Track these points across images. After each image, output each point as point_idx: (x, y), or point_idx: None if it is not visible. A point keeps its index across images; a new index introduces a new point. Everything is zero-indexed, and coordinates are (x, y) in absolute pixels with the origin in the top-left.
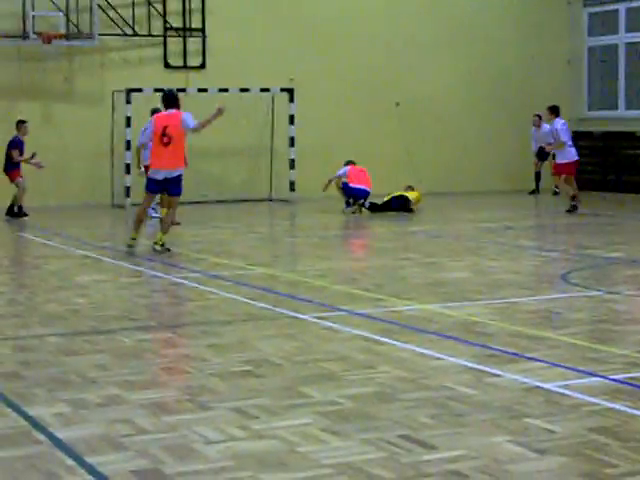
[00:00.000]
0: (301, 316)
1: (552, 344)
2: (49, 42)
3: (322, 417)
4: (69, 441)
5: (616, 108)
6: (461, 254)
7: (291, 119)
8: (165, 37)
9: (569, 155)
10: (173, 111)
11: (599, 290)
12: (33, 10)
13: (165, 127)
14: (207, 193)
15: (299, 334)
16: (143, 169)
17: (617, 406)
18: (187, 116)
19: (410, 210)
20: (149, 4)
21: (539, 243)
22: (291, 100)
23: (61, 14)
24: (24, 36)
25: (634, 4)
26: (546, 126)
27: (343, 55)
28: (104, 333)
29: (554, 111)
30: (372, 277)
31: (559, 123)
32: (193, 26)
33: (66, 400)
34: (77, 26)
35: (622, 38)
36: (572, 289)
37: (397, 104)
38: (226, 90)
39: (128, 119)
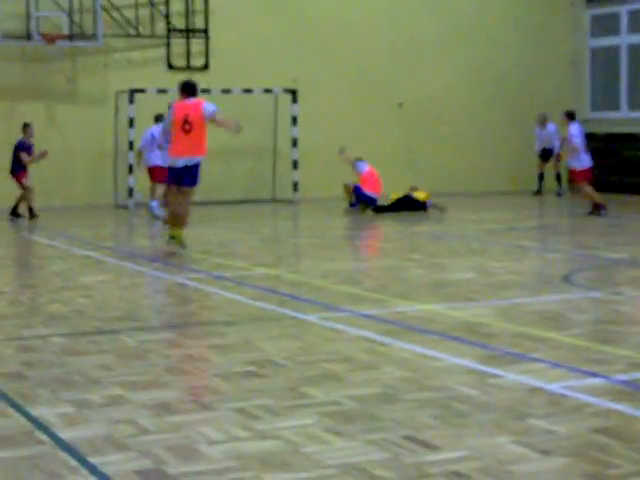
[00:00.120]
0: (304, 317)
1: (555, 345)
2: (53, 43)
3: (325, 418)
4: (72, 441)
5: (619, 109)
6: (464, 255)
7: (294, 120)
8: (168, 38)
9: (584, 162)
10: (194, 100)
11: (602, 291)
12: (37, 11)
13: (186, 115)
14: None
15: (302, 335)
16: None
17: (620, 407)
18: (209, 105)
19: (423, 208)
20: (152, 5)
21: (542, 244)
22: (294, 101)
23: (64, 15)
24: (28, 37)
25: (636, 6)
26: (551, 126)
27: (346, 56)
28: (107, 333)
29: (570, 116)
30: (375, 278)
31: (574, 128)
32: (196, 27)
33: (69, 400)
34: (80, 27)
35: (624, 39)
36: (575, 290)
37: (400, 105)
38: (229, 91)
39: (131, 120)
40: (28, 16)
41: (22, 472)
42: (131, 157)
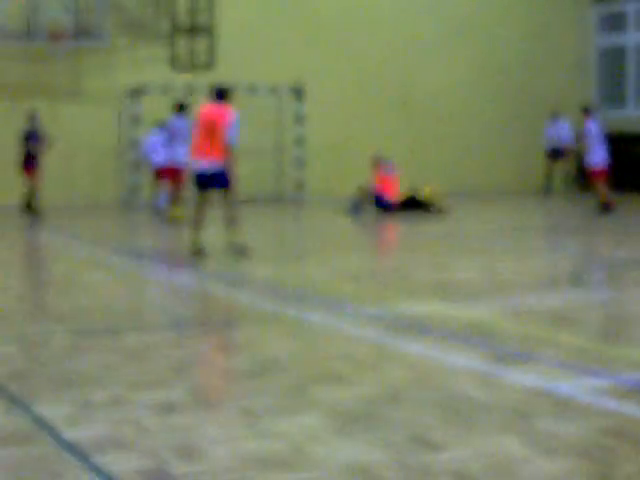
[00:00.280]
0: (307, 316)
1: (561, 345)
2: (57, 42)
3: (329, 418)
4: (75, 441)
5: (624, 108)
6: (469, 254)
7: (299, 119)
8: (173, 37)
9: (598, 160)
10: (223, 105)
11: (609, 291)
12: (42, 10)
13: (211, 119)
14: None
15: (306, 334)
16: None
17: (626, 408)
18: (235, 125)
19: (427, 209)
20: (157, 3)
21: (548, 243)
22: (299, 100)
23: (70, 14)
24: (33, 36)
25: None
26: (563, 122)
27: (351, 55)
28: (110, 332)
29: (587, 112)
30: (380, 277)
31: (591, 124)
32: (201, 26)
33: (72, 399)
34: (85, 26)
35: (630, 37)
36: (582, 290)
37: (404, 103)
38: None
39: (136, 119)
40: (33, 15)
41: (24, 471)
42: (135, 156)
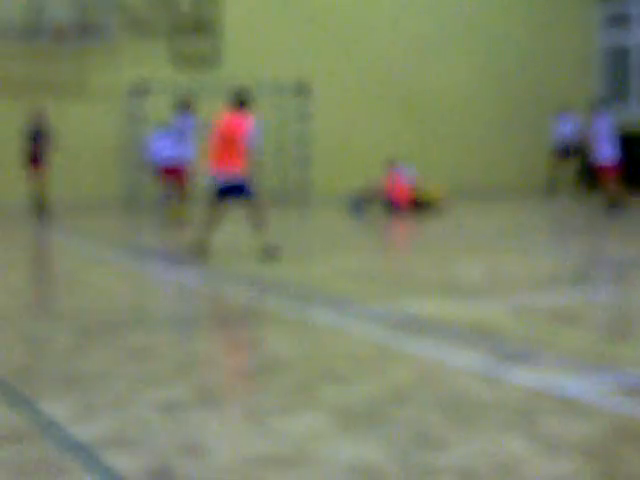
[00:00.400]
0: (312, 315)
1: (566, 344)
2: (62, 40)
3: (332, 417)
4: (80, 439)
5: (629, 107)
6: (474, 253)
7: (304, 117)
8: (177, 35)
9: (606, 157)
10: (242, 112)
11: (614, 290)
12: (46, 9)
13: (231, 129)
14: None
15: (311, 333)
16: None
17: (632, 406)
18: (257, 133)
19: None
20: (161, 2)
21: (552, 242)
22: (304, 98)
23: (74, 12)
24: (37, 33)
25: None
26: (572, 118)
27: (355, 54)
28: (115, 331)
29: (597, 109)
30: (383, 276)
31: (601, 121)
32: (205, 24)
33: (76, 398)
34: (90, 24)
35: (634, 36)
36: (585, 289)
37: (408, 102)
38: None
39: (140, 117)
40: (38, 14)
41: (29, 469)
42: (139, 154)
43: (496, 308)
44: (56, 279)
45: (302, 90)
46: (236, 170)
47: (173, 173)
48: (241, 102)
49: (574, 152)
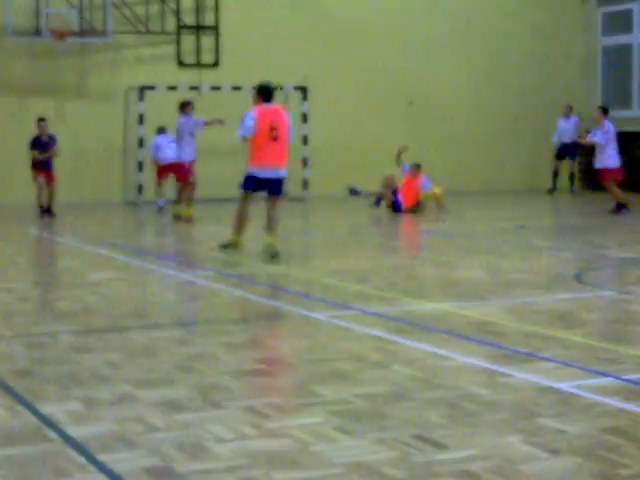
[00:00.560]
0: (314, 315)
1: (565, 344)
2: (63, 39)
3: (334, 416)
4: (81, 439)
5: (630, 108)
6: (474, 253)
7: (304, 117)
8: (178, 34)
9: (607, 161)
10: (274, 105)
11: (612, 290)
12: (47, 7)
13: (272, 121)
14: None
15: (312, 333)
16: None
17: (630, 406)
18: (292, 127)
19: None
20: (162, 1)
21: (552, 242)
22: (304, 98)
23: (74, 11)
24: (37, 33)
25: None
26: (575, 119)
27: (357, 53)
28: (116, 331)
29: (605, 112)
30: (385, 276)
31: (609, 125)
32: (207, 23)
33: (78, 398)
34: (91, 23)
35: (636, 37)
36: (585, 289)
37: (410, 103)
38: (239, 88)
39: (141, 117)
40: (38, 12)
41: (31, 469)
42: (141, 154)
43: (498, 308)
44: (57, 279)
45: (303, 91)
46: (281, 166)
47: (175, 172)
48: (271, 95)
49: (574, 153)
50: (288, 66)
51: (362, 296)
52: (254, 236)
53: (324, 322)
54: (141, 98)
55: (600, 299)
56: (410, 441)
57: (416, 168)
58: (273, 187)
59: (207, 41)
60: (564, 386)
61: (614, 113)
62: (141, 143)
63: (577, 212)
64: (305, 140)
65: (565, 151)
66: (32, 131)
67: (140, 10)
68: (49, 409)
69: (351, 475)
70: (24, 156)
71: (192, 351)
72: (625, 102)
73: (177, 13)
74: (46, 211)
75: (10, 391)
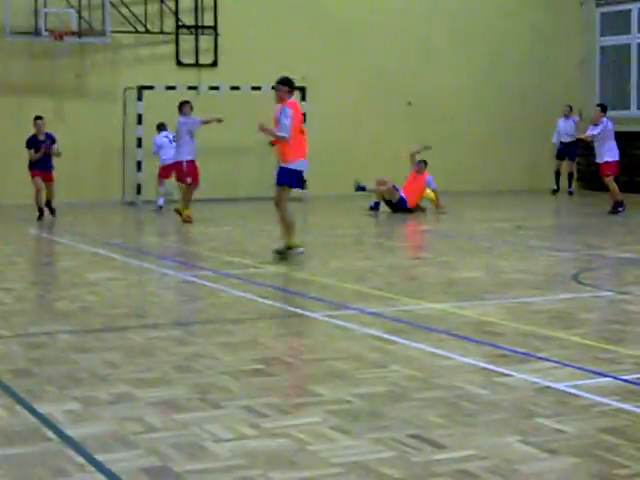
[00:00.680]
0: (312, 315)
1: (563, 344)
2: (61, 39)
3: (332, 416)
4: (79, 438)
5: (628, 108)
6: (473, 254)
7: (303, 117)
8: (177, 35)
9: (604, 156)
10: (294, 99)
11: (610, 290)
12: (45, 7)
13: (300, 115)
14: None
15: (310, 333)
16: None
17: (628, 406)
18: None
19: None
20: (161, 1)
21: (551, 243)
22: (303, 98)
23: (73, 11)
24: (36, 33)
25: None
26: (575, 118)
27: (355, 54)
28: (115, 330)
29: (604, 109)
30: (383, 276)
31: (607, 122)
32: (205, 24)
33: (76, 397)
34: (89, 23)
35: (634, 38)
36: (583, 289)
37: (409, 103)
38: (237, 88)
39: (140, 116)
40: (36, 12)
41: (29, 469)
42: (140, 154)
43: (496, 308)
44: (55, 279)
45: (302, 91)
46: (306, 160)
47: (175, 172)
48: (293, 88)
49: (574, 153)
50: (287, 66)
51: (361, 296)
52: (254, 236)
53: (322, 322)
54: (140, 98)
55: (598, 299)
56: (408, 441)
57: (422, 165)
58: (301, 180)
59: (206, 41)
60: (562, 386)
61: (612, 113)
62: (140, 143)
63: (576, 212)
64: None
65: (565, 151)
66: (30, 131)
67: (139, 10)
68: (47, 409)
69: (349, 475)
70: (23, 156)
71: (190, 351)
72: (623, 102)
73: (176, 13)
74: (48, 209)
75: (8, 391)
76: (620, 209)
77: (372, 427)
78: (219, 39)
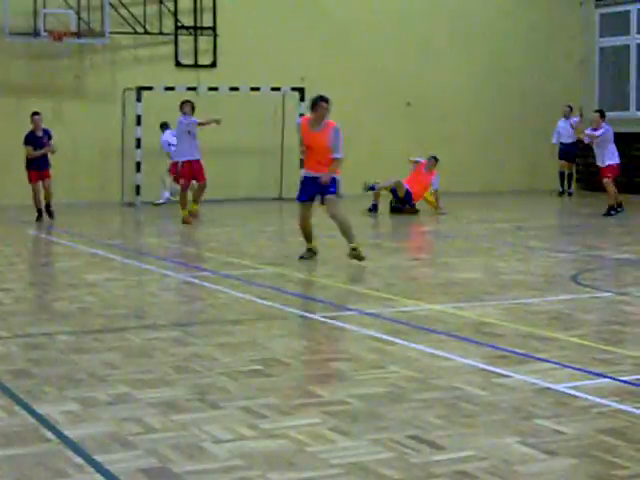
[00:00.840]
0: (311, 315)
1: (562, 345)
2: (60, 40)
3: (331, 417)
4: (78, 439)
5: (627, 109)
6: (472, 254)
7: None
8: (176, 35)
9: (615, 158)
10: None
11: (609, 291)
12: (44, 8)
13: None
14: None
15: (309, 333)
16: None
17: (627, 407)
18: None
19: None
20: (160, 2)
21: (550, 244)
22: (302, 99)
23: (72, 12)
24: (35, 34)
25: None
26: (575, 119)
27: (355, 54)
28: (114, 331)
29: (602, 114)
30: (382, 277)
31: (607, 128)
32: (204, 24)
33: (75, 398)
34: (88, 24)
35: (633, 39)
36: (582, 290)
37: (408, 104)
38: (237, 89)
39: (139, 117)
40: (36, 13)
41: (28, 469)
42: (139, 155)
43: (495, 308)
44: (54, 279)
45: (300, 92)
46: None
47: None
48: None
49: (574, 154)
50: (286, 67)
51: (360, 297)
52: (253, 236)
53: (321, 323)
54: (139, 99)
55: (598, 300)
56: (407, 442)
57: (433, 161)
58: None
59: (205, 42)
60: (561, 387)
61: (612, 114)
62: (139, 144)
63: (575, 213)
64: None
65: (565, 152)
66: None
67: (138, 11)
68: (46, 410)
69: (348, 476)
70: (21, 157)
71: (189, 352)
72: (622, 103)
73: (175, 14)
74: (46, 211)
75: (7, 392)
76: (613, 212)
77: (371, 428)
78: (218, 40)
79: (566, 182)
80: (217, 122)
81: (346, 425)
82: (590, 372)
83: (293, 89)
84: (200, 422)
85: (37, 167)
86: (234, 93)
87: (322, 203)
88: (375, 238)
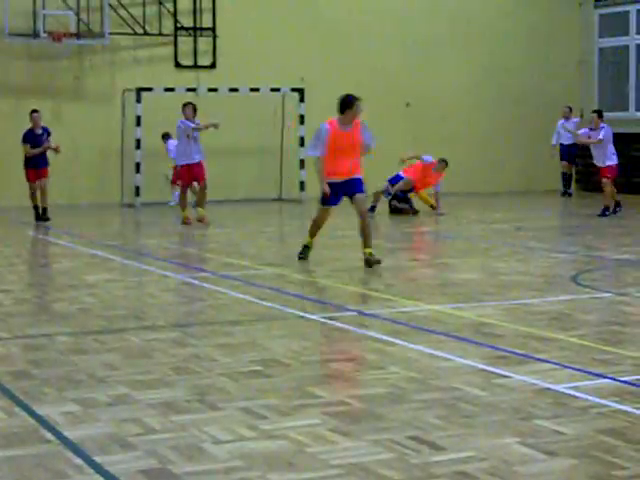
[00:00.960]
0: (311, 316)
1: (562, 345)
2: (59, 41)
3: (331, 417)
4: (78, 440)
5: (627, 109)
6: (471, 255)
7: (301, 119)
8: (176, 36)
9: (614, 159)
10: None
11: (609, 292)
12: (44, 9)
13: None
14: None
15: (309, 334)
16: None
17: (626, 408)
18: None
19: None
20: (160, 3)
21: (550, 244)
22: (301, 100)
23: (72, 13)
24: (35, 35)
25: None
26: (575, 120)
27: (354, 54)
28: (113, 332)
29: (600, 115)
30: (382, 277)
31: (606, 128)
32: (204, 25)
33: (75, 399)
34: (88, 25)
35: (633, 39)
36: (582, 290)
37: (407, 104)
38: (236, 90)
39: (138, 118)
40: (35, 14)
41: (28, 470)
42: (138, 155)
43: (495, 309)
44: (54, 280)
45: (300, 93)
46: None
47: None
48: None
49: (573, 155)
50: (285, 68)
51: (359, 297)
52: (253, 237)
53: (321, 323)
54: (138, 100)
55: (597, 301)
56: (407, 443)
57: (443, 164)
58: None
59: (204, 43)
60: (561, 387)
61: (611, 115)
62: (138, 145)
63: (574, 214)
64: (302, 142)
65: (565, 153)
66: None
67: (137, 12)
68: (46, 411)
69: (348, 477)
70: (21, 158)
71: (189, 352)
72: (622, 104)
73: (174, 15)
74: (42, 215)
75: (7, 393)
76: (607, 213)
77: (371, 429)
78: (218, 41)
79: (566, 182)
80: (215, 126)
81: (346, 426)
82: (590, 372)
83: (293, 90)
84: (200, 423)
85: (35, 165)
86: (234, 94)
87: (352, 202)
88: (374, 239)
